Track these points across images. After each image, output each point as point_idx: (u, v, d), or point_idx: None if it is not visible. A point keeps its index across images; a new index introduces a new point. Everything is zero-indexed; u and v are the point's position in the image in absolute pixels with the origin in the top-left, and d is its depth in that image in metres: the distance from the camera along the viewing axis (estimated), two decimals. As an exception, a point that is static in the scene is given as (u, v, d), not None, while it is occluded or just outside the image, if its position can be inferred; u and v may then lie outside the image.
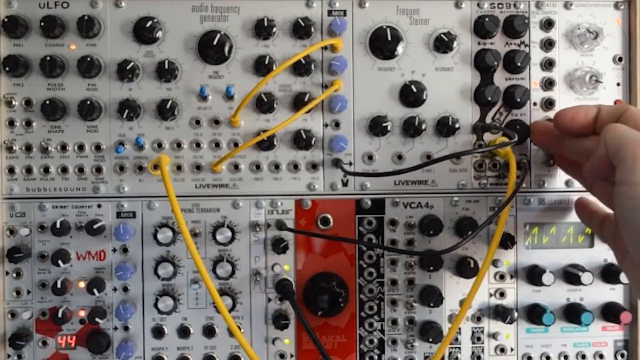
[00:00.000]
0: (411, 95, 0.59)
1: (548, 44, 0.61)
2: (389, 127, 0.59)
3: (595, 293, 0.62)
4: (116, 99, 0.59)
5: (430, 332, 0.60)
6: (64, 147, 0.59)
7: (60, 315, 0.57)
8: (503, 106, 0.61)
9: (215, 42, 0.58)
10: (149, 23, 0.58)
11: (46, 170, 0.59)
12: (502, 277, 0.62)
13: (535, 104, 0.61)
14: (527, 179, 0.62)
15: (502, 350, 0.62)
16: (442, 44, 0.59)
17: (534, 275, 0.61)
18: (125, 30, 0.59)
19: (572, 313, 0.61)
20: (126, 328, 0.60)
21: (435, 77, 0.60)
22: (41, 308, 0.59)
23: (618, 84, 0.62)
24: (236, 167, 0.60)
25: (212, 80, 0.59)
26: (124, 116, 0.58)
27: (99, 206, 0.59)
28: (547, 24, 0.61)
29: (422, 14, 0.60)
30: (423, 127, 0.60)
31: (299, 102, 0.59)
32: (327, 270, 0.61)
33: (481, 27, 0.60)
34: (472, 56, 0.61)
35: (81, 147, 0.59)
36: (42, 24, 0.57)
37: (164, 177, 0.53)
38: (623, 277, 0.60)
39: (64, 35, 0.58)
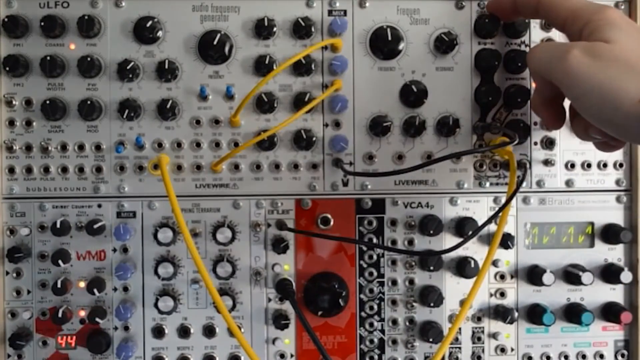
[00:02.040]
0: (411, 95, 0.59)
1: (548, 44, 0.61)
2: (389, 127, 0.59)
3: (596, 293, 0.62)
4: (116, 99, 0.59)
5: (430, 332, 0.60)
6: (64, 147, 0.59)
7: (60, 315, 0.57)
8: (503, 106, 0.61)
9: (215, 42, 0.58)
10: (149, 23, 0.58)
11: (46, 170, 0.59)
12: (502, 277, 0.62)
13: (535, 103, 0.61)
14: (527, 179, 0.61)
15: (503, 350, 0.62)
16: (443, 44, 0.59)
17: (534, 275, 0.61)
18: (125, 30, 0.59)
19: (573, 313, 0.61)
20: (126, 328, 0.60)
21: (435, 77, 0.60)
22: (41, 308, 0.59)
23: (618, 84, 0.62)
24: (236, 167, 0.60)
25: (212, 80, 0.59)
26: (124, 116, 0.58)
27: (99, 206, 0.59)
28: (548, 24, 0.61)
29: (422, 14, 0.60)
30: (423, 127, 0.60)
31: (299, 102, 0.59)
32: (327, 270, 0.61)
33: (482, 27, 0.60)
34: (472, 56, 0.61)
35: (81, 147, 0.59)
36: (42, 23, 0.57)
37: (164, 177, 0.53)
38: (623, 277, 0.60)
39: (64, 35, 0.58)
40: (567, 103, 0.57)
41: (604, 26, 0.47)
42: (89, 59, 0.57)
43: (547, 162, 0.61)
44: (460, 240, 0.54)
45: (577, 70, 0.45)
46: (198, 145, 0.59)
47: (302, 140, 0.59)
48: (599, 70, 0.44)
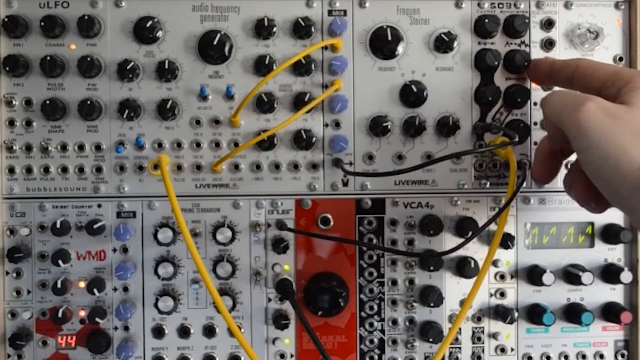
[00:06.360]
0: (411, 95, 0.59)
1: (548, 44, 0.61)
2: (389, 127, 0.59)
3: (596, 293, 0.62)
4: (116, 99, 0.59)
5: (430, 332, 0.60)
6: (64, 147, 0.59)
7: (60, 315, 0.57)
8: (503, 106, 0.61)
9: (215, 42, 0.58)
10: (149, 23, 0.58)
11: (46, 170, 0.59)
12: (502, 277, 0.62)
13: (535, 103, 0.61)
14: (527, 179, 0.61)
15: (503, 350, 0.62)
16: (443, 43, 0.59)
17: (534, 275, 0.61)
18: (125, 30, 0.59)
19: (573, 313, 0.61)
20: (126, 328, 0.60)
21: (435, 77, 0.60)
22: (41, 308, 0.59)
23: (618, 84, 0.62)
24: (236, 167, 0.60)
25: (212, 80, 0.59)
26: (124, 116, 0.58)
27: (99, 206, 0.59)
28: (548, 24, 0.61)
29: (422, 14, 0.60)
30: (423, 127, 0.60)
31: (299, 102, 0.59)
32: (327, 270, 0.61)
33: (481, 27, 0.60)
34: (472, 56, 0.61)
35: (81, 147, 0.59)
36: (42, 23, 0.57)
37: (164, 177, 0.53)
38: (623, 277, 0.60)
39: (64, 35, 0.58)
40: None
41: (638, 89, 0.46)
42: (89, 59, 0.57)
43: (547, 162, 0.61)
44: (460, 240, 0.54)
45: (588, 124, 0.45)
46: (198, 145, 0.59)
47: (302, 140, 0.59)
48: (610, 129, 0.44)
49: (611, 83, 0.49)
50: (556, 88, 0.59)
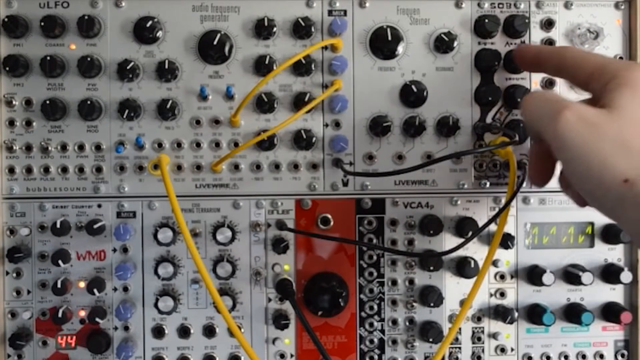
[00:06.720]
0: (411, 95, 0.59)
1: (548, 44, 0.61)
2: (389, 127, 0.59)
3: (596, 293, 0.62)
4: (116, 99, 0.59)
5: (430, 332, 0.60)
6: (64, 147, 0.59)
7: (60, 315, 0.57)
8: (503, 106, 0.61)
9: (215, 42, 0.58)
10: (149, 23, 0.58)
11: (46, 170, 0.59)
12: (502, 277, 0.62)
13: (535, 103, 0.61)
14: (527, 179, 0.61)
15: (503, 350, 0.62)
16: (443, 43, 0.59)
17: (534, 275, 0.61)
18: (125, 30, 0.59)
19: (573, 313, 0.61)
20: (126, 328, 0.60)
21: (435, 77, 0.60)
22: (41, 308, 0.59)
23: (618, 84, 0.61)
24: (236, 167, 0.60)
25: (212, 80, 0.59)
26: (124, 116, 0.58)
27: (99, 206, 0.59)
28: (548, 24, 0.61)
29: (422, 14, 0.60)
30: (423, 127, 0.60)
31: (299, 102, 0.59)
32: (327, 270, 0.61)
33: (481, 27, 0.60)
34: (472, 56, 0.61)
35: (81, 147, 0.59)
36: (42, 23, 0.57)
37: (164, 177, 0.53)
38: (623, 277, 0.60)
39: (64, 35, 0.58)
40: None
41: (623, 86, 0.44)
42: (89, 59, 0.57)
43: (547, 162, 0.61)
44: (460, 240, 0.54)
45: (567, 135, 0.43)
46: (198, 145, 0.59)
47: (302, 140, 0.59)
48: (590, 140, 0.42)
49: (598, 76, 0.48)
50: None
